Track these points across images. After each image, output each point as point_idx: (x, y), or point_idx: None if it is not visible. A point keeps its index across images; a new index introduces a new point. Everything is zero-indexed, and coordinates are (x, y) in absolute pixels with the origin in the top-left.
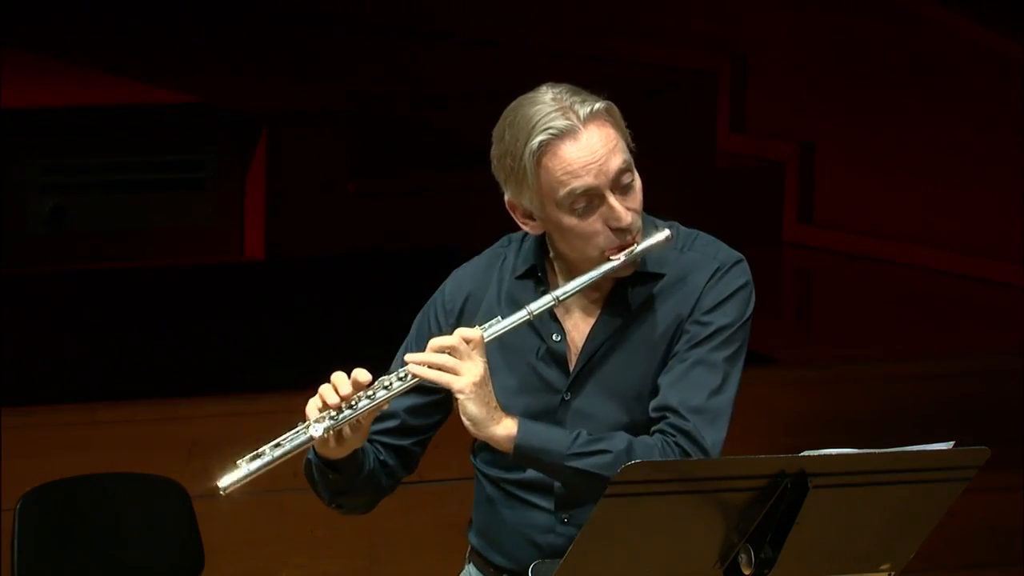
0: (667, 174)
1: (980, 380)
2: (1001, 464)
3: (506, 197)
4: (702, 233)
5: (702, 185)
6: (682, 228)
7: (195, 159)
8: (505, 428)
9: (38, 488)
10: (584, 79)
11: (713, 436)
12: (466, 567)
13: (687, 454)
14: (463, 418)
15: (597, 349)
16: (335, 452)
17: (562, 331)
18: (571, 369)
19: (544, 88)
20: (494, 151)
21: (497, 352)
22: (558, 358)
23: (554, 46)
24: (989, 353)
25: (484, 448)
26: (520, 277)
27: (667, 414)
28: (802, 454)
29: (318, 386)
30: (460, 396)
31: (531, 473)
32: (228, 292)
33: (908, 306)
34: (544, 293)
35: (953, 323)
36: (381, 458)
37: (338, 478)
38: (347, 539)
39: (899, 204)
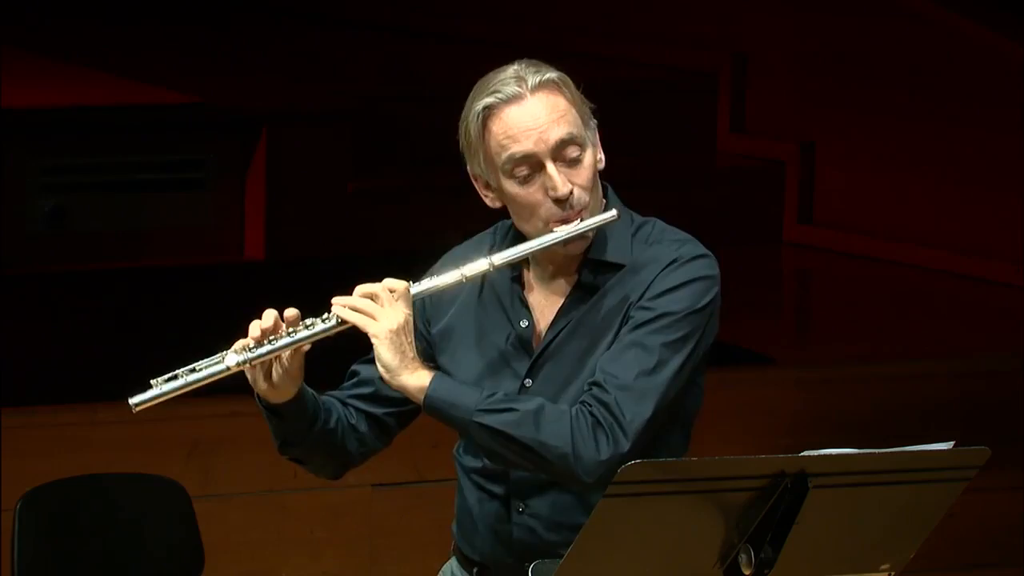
0: (667, 174)
1: (980, 380)
2: (1001, 464)
3: (468, 168)
4: (678, 231)
5: (702, 185)
6: (659, 224)
7: (195, 159)
8: (418, 379)
9: (38, 488)
10: (584, 79)
11: (633, 412)
12: (450, 559)
13: (599, 424)
14: (378, 364)
15: (555, 336)
16: (271, 394)
17: (530, 318)
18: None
19: (517, 61)
20: (460, 121)
21: (472, 334)
22: (525, 344)
23: (554, 46)
24: (989, 353)
25: (459, 436)
26: (470, 279)
27: (592, 387)
28: (802, 454)
29: (318, 386)
30: (375, 341)
31: (488, 462)
32: (228, 292)
33: (908, 306)
34: (517, 279)
35: (953, 323)
36: (352, 422)
37: (280, 425)
38: (347, 539)
39: (899, 204)
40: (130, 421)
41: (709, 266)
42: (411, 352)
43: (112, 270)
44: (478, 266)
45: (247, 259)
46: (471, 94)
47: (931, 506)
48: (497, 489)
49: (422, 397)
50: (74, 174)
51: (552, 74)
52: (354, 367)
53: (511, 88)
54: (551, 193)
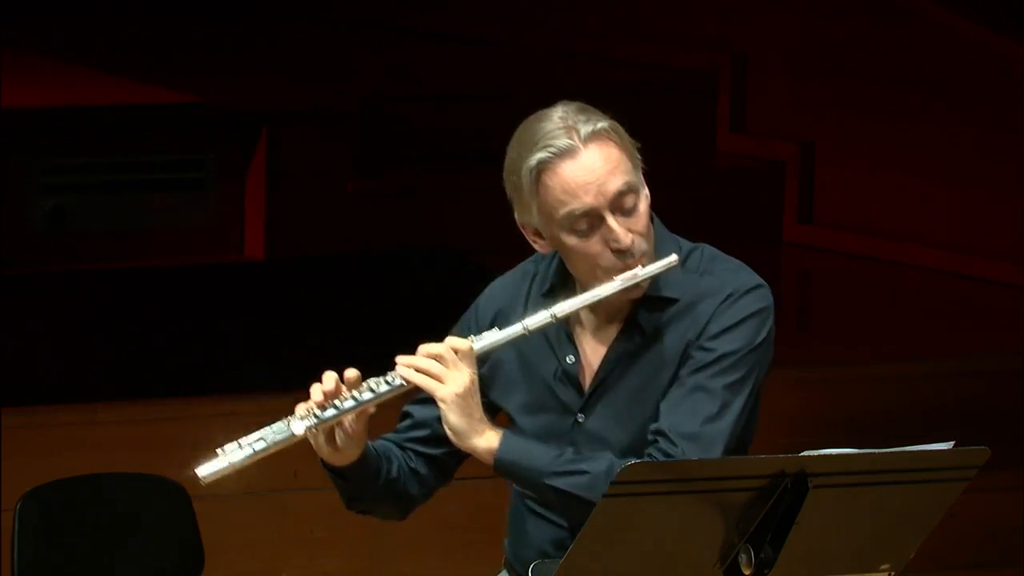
0: (667, 174)
1: (980, 380)
2: (1001, 464)
3: (516, 217)
4: (728, 257)
5: (702, 185)
6: (708, 250)
7: (195, 159)
8: (487, 441)
9: (38, 488)
10: (584, 79)
11: None
12: (501, 573)
13: None
14: (446, 427)
15: (609, 373)
16: (335, 458)
17: (577, 353)
18: (585, 391)
19: (556, 106)
20: (504, 168)
21: (517, 368)
22: (572, 380)
23: (554, 46)
24: (989, 353)
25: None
26: (546, 294)
27: (658, 438)
28: (802, 454)
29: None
30: (442, 405)
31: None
32: (228, 292)
33: (908, 306)
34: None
35: (953, 323)
36: (412, 465)
37: (346, 485)
38: (347, 539)
39: (899, 204)
40: (130, 421)
41: (763, 297)
42: (478, 413)
43: (112, 270)
44: (541, 319)
45: (247, 259)
46: (516, 143)
47: (931, 506)
48: (556, 516)
49: (492, 460)
50: (74, 174)
51: (603, 123)
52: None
53: (563, 141)
54: (613, 245)
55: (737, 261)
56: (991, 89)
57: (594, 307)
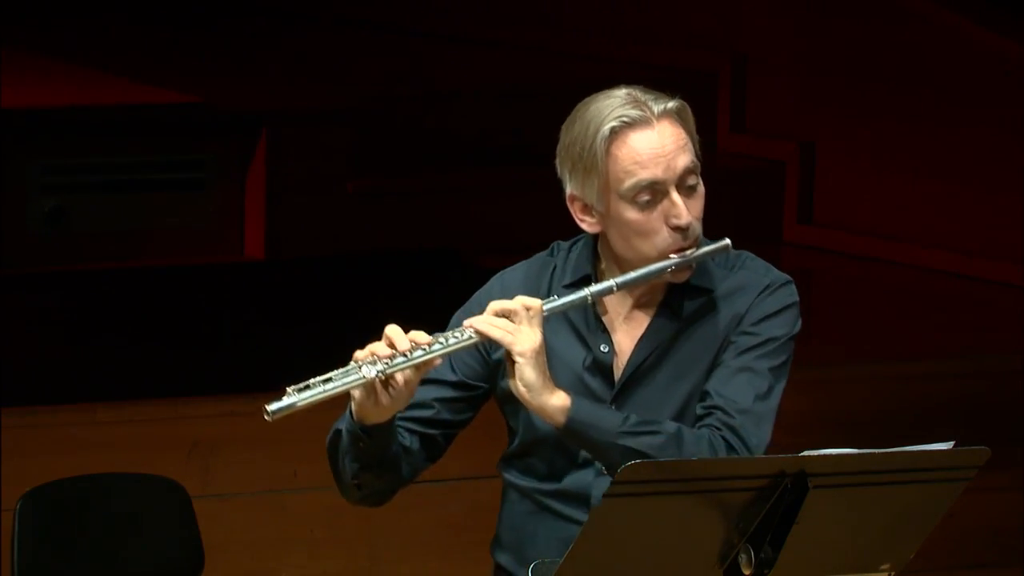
0: None
1: (980, 380)
2: (1001, 464)
3: (567, 190)
4: (752, 255)
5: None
6: (732, 249)
7: (195, 159)
8: (560, 399)
9: (38, 488)
10: (584, 79)
11: (758, 437)
12: None
13: (732, 449)
14: (518, 384)
15: (642, 362)
16: (376, 412)
17: (610, 342)
18: (616, 381)
19: (620, 86)
20: (561, 143)
21: (546, 360)
22: (604, 369)
23: (554, 46)
24: (989, 353)
25: (518, 457)
26: (569, 285)
27: (714, 411)
28: (802, 454)
29: None
30: (520, 360)
31: (567, 483)
32: (228, 292)
33: (908, 306)
34: (595, 303)
35: (953, 323)
36: (405, 443)
37: (369, 447)
38: (347, 539)
39: (899, 204)
40: (130, 421)
41: (795, 292)
42: (548, 373)
43: (112, 270)
44: (603, 288)
45: (247, 259)
46: (578, 118)
47: (931, 506)
48: (577, 513)
49: (563, 418)
50: (74, 174)
51: (674, 103)
52: None
53: (636, 112)
54: (673, 221)
55: (760, 258)
56: (991, 89)
57: (625, 295)
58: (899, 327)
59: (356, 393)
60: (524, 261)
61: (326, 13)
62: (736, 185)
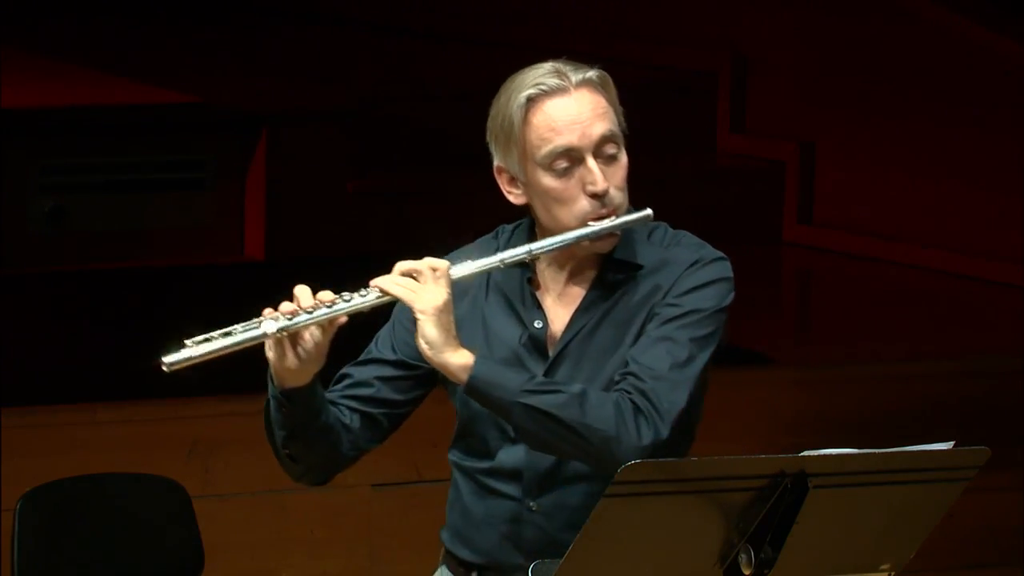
0: (667, 174)
1: (980, 380)
2: (1001, 464)
3: (495, 163)
4: (689, 234)
5: (702, 185)
6: (669, 228)
7: (195, 159)
8: (462, 357)
9: (38, 488)
10: None
11: (671, 400)
12: (439, 569)
13: (640, 410)
14: (421, 341)
15: (573, 337)
16: (292, 375)
17: (544, 318)
18: (549, 357)
19: (548, 61)
20: (489, 117)
21: (482, 337)
22: (539, 345)
23: (554, 46)
24: (989, 353)
25: (460, 438)
26: (508, 265)
27: (627, 376)
28: (802, 454)
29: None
30: (420, 316)
31: (500, 459)
32: (228, 292)
33: (908, 306)
34: (530, 280)
35: (953, 323)
36: (344, 421)
37: (292, 412)
38: (347, 539)
39: (899, 204)
40: (130, 421)
41: (728, 268)
42: (454, 331)
43: (112, 270)
44: (517, 253)
45: (247, 259)
46: (504, 88)
47: (931, 506)
48: (509, 489)
49: (466, 376)
50: (74, 174)
51: (593, 72)
52: (346, 370)
53: (554, 80)
54: (589, 188)
55: (697, 238)
56: (991, 89)
57: (559, 271)
58: (899, 327)
59: (270, 354)
60: (469, 245)
61: (325, 13)
62: (736, 185)
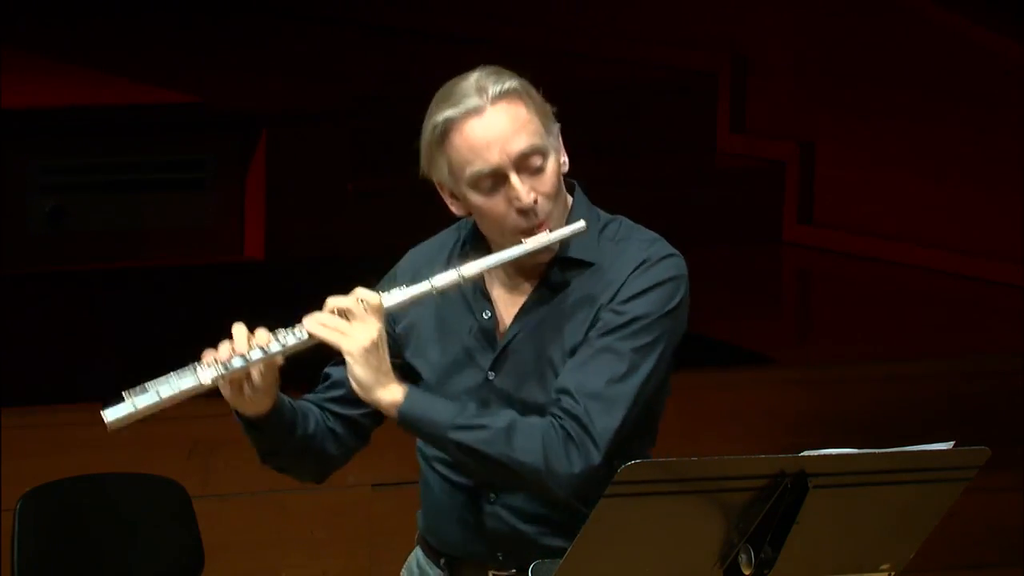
0: (667, 174)
1: (980, 380)
2: (1001, 464)
3: (433, 177)
4: (645, 229)
5: (702, 185)
6: (626, 221)
7: (195, 159)
8: (391, 394)
9: (38, 488)
10: (584, 79)
11: (604, 423)
12: (415, 550)
13: (570, 438)
14: (351, 380)
15: (519, 331)
16: (248, 408)
17: (492, 310)
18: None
19: (476, 69)
20: (422, 130)
21: (434, 329)
22: (488, 336)
23: (553, 46)
24: (989, 353)
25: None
26: (463, 257)
27: (561, 396)
28: (802, 454)
29: (318, 386)
30: (348, 358)
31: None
32: (228, 292)
33: (908, 306)
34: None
35: (953, 323)
36: (329, 425)
37: (260, 437)
38: (347, 539)
39: (899, 204)
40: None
41: (677, 266)
42: (385, 367)
43: (112, 270)
44: (447, 277)
45: (247, 259)
46: (432, 103)
47: (931, 506)
48: (465, 480)
49: (396, 413)
50: (74, 174)
51: (513, 83)
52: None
53: (472, 100)
54: (515, 204)
55: (654, 233)
56: (991, 89)
57: (509, 265)
58: (899, 327)
59: (222, 391)
60: (434, 236)
61: (325, 13)
62: (736, 185)
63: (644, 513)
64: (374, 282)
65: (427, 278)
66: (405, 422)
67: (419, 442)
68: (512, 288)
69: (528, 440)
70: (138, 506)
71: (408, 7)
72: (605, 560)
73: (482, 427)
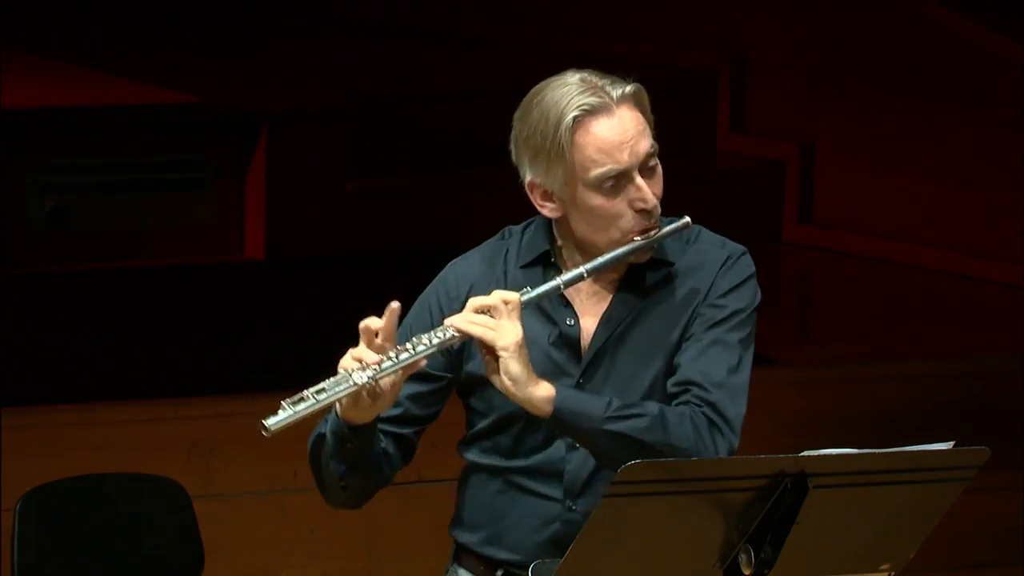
0: (667, 174)
1: (980, 380)
2: (1001, 464)
3: (527, 178)
4: (705, 229)
5: (702, 185)
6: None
7: (195, 159)
8: (544, 390)
9: (38, 488)
10: None
11: (736, 409)
12: (451, 567)
13: (713, 424)
14: (503, 378)
15: (610, 335)
16: (363, 414)
17: (575, 316)
18: (583, 354)
19: (569, 71)
20: (517, 131)
21: (527, 353)
22: (571, 343)
23: (553, 46)
24: (989, 353)
25: (484, 437)
26: (526, 266)
27: (690, 387)
28: (802, 454)
29: None
30: (504, 354)
31: (536, 460)
32: (228, 292)
33: (908, 306)
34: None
35: (953, 323)
36: (382, 445)
37: (355, 448)
38: (347, 539)
39: (899, 204)
40: (130, 421)
41: (752, 262)
42: (530, 364)
43: (112, 270)
44: (574, 274)
45: (247, 259)
46: (535, 104)
47: (931, 506)
48: (549, 489)
49: (550, 408)
50: (74, 174)
51: (630, 87)
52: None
53: (594, 99)
54: (639, 205)
55: (712, 232)
56: (991, 89)
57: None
58: (899, 327)
59: (351, 395)
60: (476, 248)
61: (325, 13)
62: (736, 185)
63: (644, 513)
64: (377, 282)
65: (484, 291)
66: (559, 415)
67: (474, 454)
68: (592, 295)
69: (680, 427)
70: (138, 506)
71: (408, 7)
72: (605, 560)
73: (638, 415)
